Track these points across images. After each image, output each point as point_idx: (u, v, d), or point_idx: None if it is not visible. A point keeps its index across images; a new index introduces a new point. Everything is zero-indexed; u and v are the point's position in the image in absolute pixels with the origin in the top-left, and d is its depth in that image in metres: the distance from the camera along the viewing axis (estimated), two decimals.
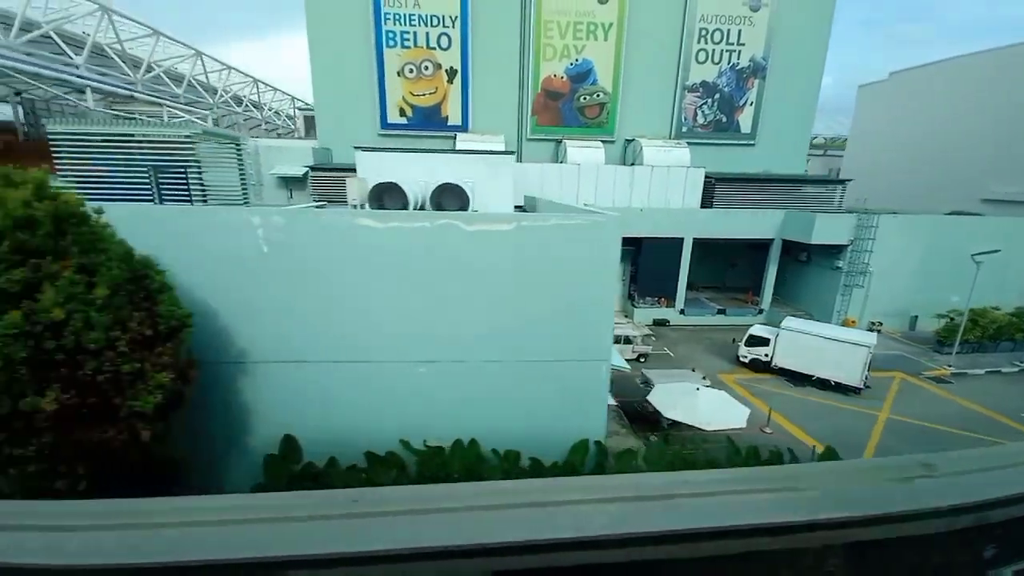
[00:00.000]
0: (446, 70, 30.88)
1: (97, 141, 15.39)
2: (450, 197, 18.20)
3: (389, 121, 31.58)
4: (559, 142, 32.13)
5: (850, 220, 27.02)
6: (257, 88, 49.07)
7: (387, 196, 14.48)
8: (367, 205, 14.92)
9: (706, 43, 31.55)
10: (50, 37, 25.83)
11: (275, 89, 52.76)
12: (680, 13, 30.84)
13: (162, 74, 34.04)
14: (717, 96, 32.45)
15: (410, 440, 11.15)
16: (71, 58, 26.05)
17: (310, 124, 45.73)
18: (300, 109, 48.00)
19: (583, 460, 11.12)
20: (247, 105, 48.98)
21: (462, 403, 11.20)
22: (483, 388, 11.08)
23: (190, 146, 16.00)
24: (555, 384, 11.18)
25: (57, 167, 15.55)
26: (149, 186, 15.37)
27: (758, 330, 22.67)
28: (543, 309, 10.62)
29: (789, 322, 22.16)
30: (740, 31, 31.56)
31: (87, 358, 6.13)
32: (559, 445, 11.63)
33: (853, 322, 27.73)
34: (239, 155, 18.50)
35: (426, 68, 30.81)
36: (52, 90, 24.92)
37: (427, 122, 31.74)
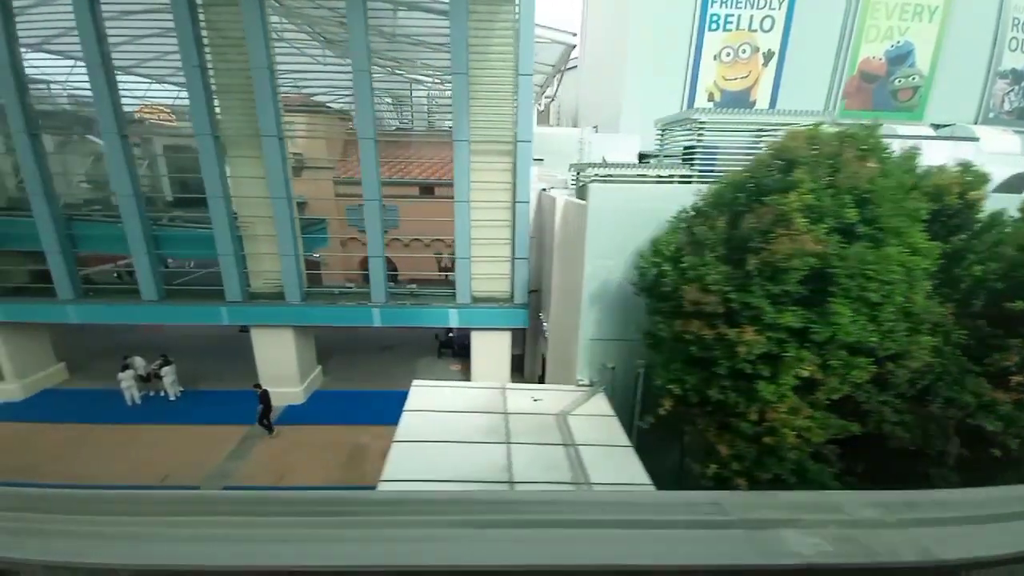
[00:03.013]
0: (763, 53, 30.03)
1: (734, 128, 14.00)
2: None
3: (696, 106, 30.59)
4: (864, 126, 31.12)
5: None
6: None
7: None
8: None
9: (1019, 31, 30.90)
10: None
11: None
12: None
13: None
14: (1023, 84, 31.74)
15: None
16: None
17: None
18: None
19: None
20: None
21: None
22: None
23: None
24: None
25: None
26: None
27: None
28: None
29: None
30: None
31: None
32: None
33: None
34: None
35: (743, 51, 29.97)
36: None
37: (734, 106, 30.72)
